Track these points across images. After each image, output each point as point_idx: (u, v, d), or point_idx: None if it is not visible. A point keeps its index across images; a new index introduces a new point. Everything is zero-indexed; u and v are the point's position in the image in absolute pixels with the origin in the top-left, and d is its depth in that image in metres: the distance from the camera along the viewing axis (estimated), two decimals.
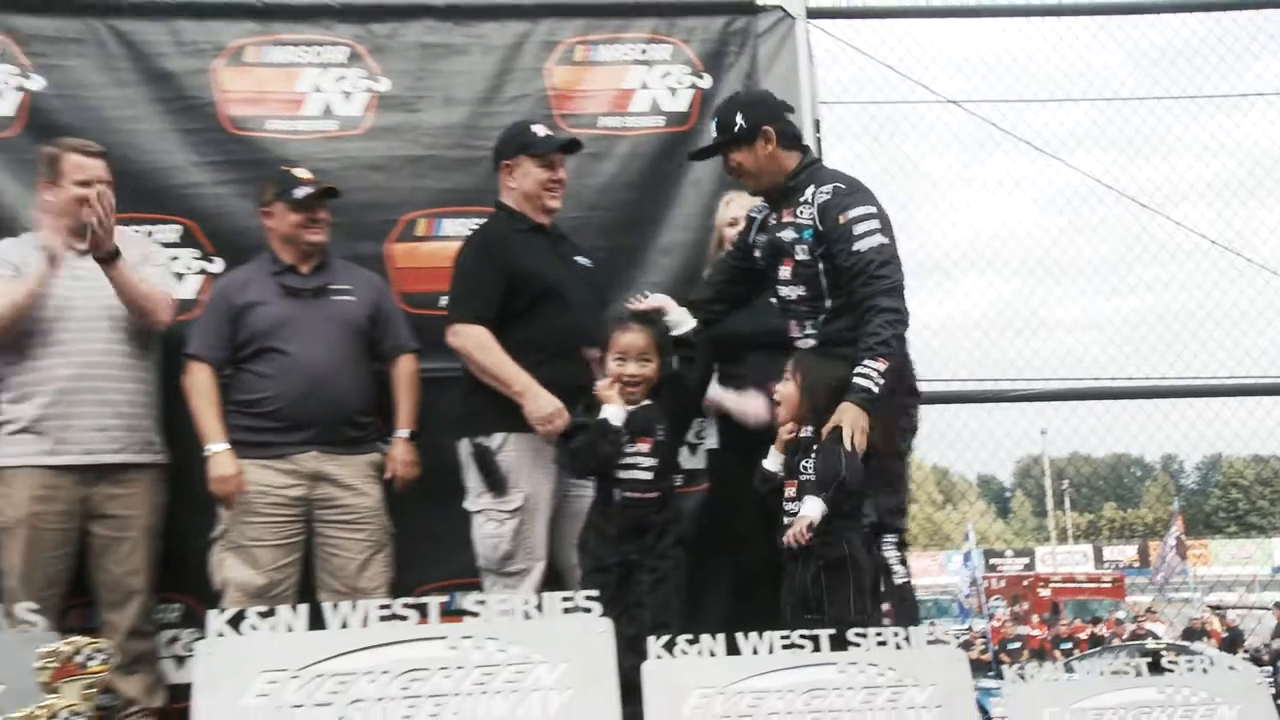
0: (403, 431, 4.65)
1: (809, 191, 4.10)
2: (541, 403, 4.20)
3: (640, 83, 5.35)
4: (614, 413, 4.09)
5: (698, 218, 5.17)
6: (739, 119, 4.22)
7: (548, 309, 4.39)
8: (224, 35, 5.16)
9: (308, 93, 5.18)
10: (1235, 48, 6.31)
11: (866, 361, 3.86)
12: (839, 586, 3.89)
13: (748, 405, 4.45)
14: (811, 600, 3.88)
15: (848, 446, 3.85)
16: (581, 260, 4.65)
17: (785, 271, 4.19)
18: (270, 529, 4.40)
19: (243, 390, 4.49)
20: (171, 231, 5.01)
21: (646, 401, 4.19)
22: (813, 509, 3.93)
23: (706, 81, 5.34)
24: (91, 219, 4.22)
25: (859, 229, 3.97)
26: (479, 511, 4.39)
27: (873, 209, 4.02)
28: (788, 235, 4.16)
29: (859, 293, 3.94)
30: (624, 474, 4.12)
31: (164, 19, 5.14)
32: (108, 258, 4.29)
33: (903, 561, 4.14)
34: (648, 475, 4.14)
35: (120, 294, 4.38)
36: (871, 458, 3.92)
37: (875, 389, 3.84)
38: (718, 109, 4.46)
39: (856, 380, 3.86)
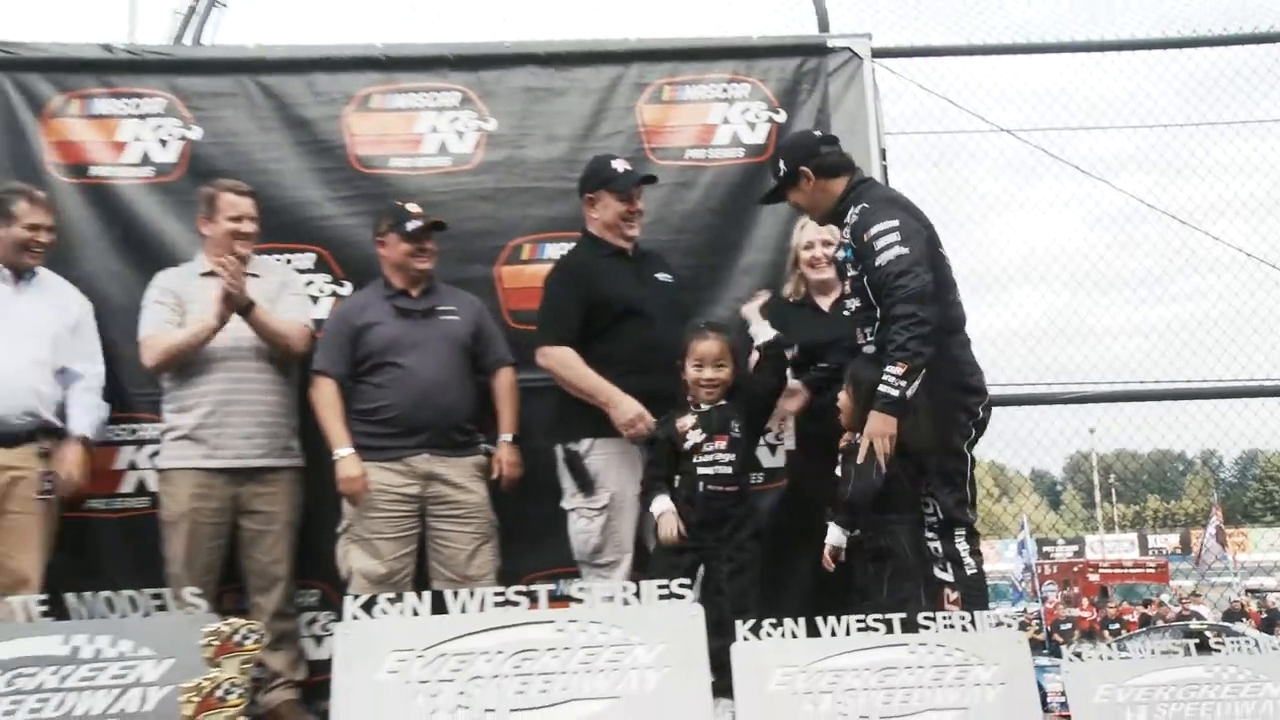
0: (506, 435, 4.89)
1: (849, 213, 4.26)
2: (625, 408, 4.45)
3: (722, 118, 5.52)
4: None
5: (774, 239, 5.35)
6: (781, 165, 4.46)
7: (628, 326, 4.59)
8: (353, 85, 5.46)
9: (425, 133, 5.45)
10: (1269, 77, 6.45)
11: (887, 368, 3.97)
12: (882, 576, 4.06)
13: (788, 399, 4.71)
14: (863, 590, 4.08)
15: (861, 458, 4.00)
16: (662, 277, 4.83)
17: (847, 285, 4.37)
18: (389, 523, 4.66)
19: (363, 400, 4.75)
20: (307, 259, 5.31)
21: (722, 402, 4.39)
22: (833, 537, 4.19)
23: (782, 116, 5.52)
24: (225, 278, 4.54)
25: (879, 244, 4.08)
26: (572, 510, 4.64)
27: (893, 223, 4.10)
28: (840, 254, 4.39)
29: (883, 304, 4.07)
30: (705, 469, 4.31)
31: (302, 73, 5.45)
32: (244, 310, 4.63)
33: (974, 553, 4.21)
34: (727, 470, 4.33)
35: (259, 335, 4.72)
36: (910, 458, 4.05)
37: (895, 393, 3.93)
38: (769, 159, 4.70)
39: (879, 389, 3.97)
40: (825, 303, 4.89)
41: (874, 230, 4.13)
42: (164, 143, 5.39)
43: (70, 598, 3.34)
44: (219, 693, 2.94)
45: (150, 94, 5.42)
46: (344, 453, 4.66)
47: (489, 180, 5.44)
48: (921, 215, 4.32)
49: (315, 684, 4.88)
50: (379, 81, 5.52)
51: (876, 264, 4.09)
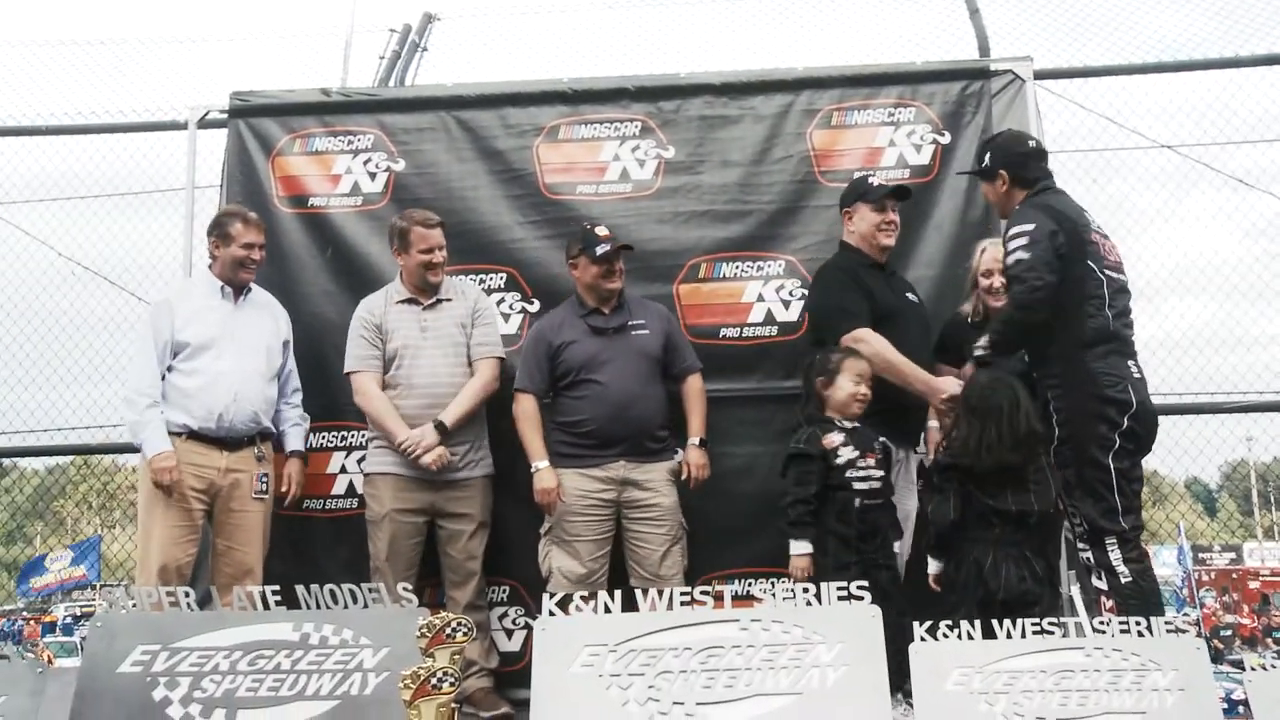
0: (695, 439, 4.91)
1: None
2: (940, 388, 4.49)
3: (889, 141, 5.49)
4: None
5: (940, 255, 5.33)
6: (986, 158, 4.47)
7: (884, 334, 4.58)
8: (542, 118, 5.60)
9: (609, 161, 5.56)
10: None
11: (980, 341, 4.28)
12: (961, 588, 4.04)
13: (936, 382, 4.58)
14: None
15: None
16: (911, 296, 4.87)
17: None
18: (588, 526, 4.77)
19: (563, 414, 4.87)
20: (498, 278, 5.48)
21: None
22: (932, 566, 4.16)
23: (946, 138, 5.47)
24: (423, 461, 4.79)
25: (1010, 245, 4.20)
26: None
27: (1026, 226, 4.16)
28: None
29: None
30: (860, 484, 4.30)
31: (495, 108, 5.62)
32: (446, 435, 4.84)
33: (1132, 560, 4.07)
34: (879, 484, 4.33)
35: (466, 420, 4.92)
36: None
37: (981, 353, 4.22)
38: (978, 146, 4.75)
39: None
40: None
41: (1010, 233, 4.23)
42: (372, 175, 5.64)
43: (300, 589, 3.52)
44: (433, 681, 3.03)
45: (361, 131, 5.69)
46: (541, 465, 4.79)
47: (667, 205, 5.52)
48: (1068, 221, 4.25)
49: (505, 673, 5.05)
50: (566, 113, 5.64)
51: (1006, 264, 4.24)
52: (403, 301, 5.05)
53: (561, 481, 4.78)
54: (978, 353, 4.26)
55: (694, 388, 5.01)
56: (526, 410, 4.87)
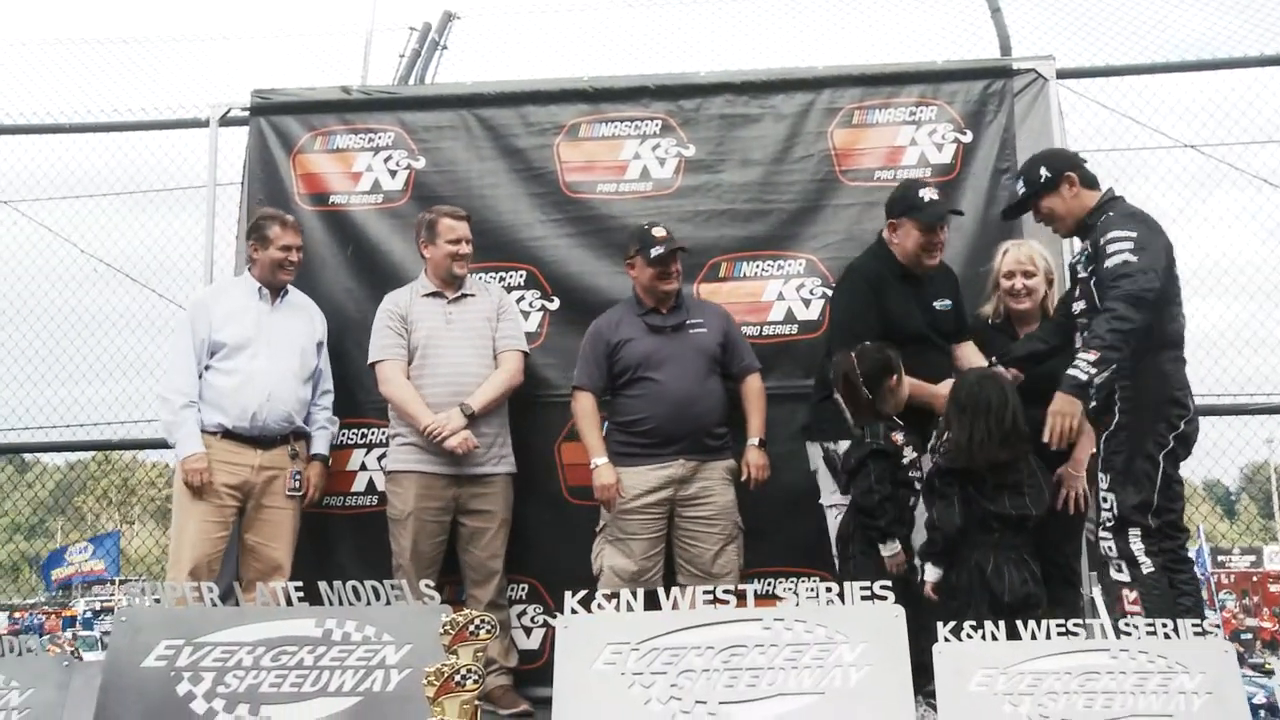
0: (754, 439, 4.86)
1: (1099, 223, 4.23)
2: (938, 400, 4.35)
3: (910, 140, 5.46)
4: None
5: (962, 254, 5.22)
6: (1043, 171, 4.38)
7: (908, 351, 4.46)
8: (562, 116, 5.60)
9: (629, 160, 5.54)
10: None
11: (1079, 354, 3.98)
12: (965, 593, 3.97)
13: (940, 389, 4.48)
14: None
15: (1046, 437, 3.97)
16: (943, 303, 4.71)
17: (1077, 289, 4.34)
18: (644, 525, 4.73)
19: (622, 412, 4.84)
20: (519, 276, 5.48)
21: None
22: (928, 574, 4.07)
23: (968, 137, 5.43)
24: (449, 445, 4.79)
25: (1111, 249, 4.07)
26: (830, 506, 4.61)
27: (1130, 233, 4.08)
28: (1075, 260, 4.37)
29: (1102, 300, 4.05)
30: (918, 484, 4.28)
31: (515, 106, 5.63)
32: (471, 419, 4.85)
33: (1153, 553, 4.03)
34: (919, 484, 4.29)
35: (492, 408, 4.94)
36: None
37: (1083, 376, 3.92)
38: (1022, 169, 4.59)
39: (1068, 371, 3.96)
40: (1023, 334, 4.76)
41: (1109, 236, 4.12)
42: (393, 172, 5.65)
43: (322, 585, 3.54)
44: (457, 678, 3.03)
45: (382, 129, 5.69)
46: (599, 462, 4.77)
47: (687, 204, 5.50)
48: (1162, 232, 4.23)
49: (524, 671, 5.05)
50: (586, 112, 5.65)
51: (1105, 265, 4.08)
52: (428, 295, 5.07)
53: (620, 479, 4.75)
54: (1079, 375, 3.97)
55: (753, 387, 4.96)
56: (585, 408, 4.85)
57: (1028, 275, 4.71)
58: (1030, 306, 4.73)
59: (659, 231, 4.89)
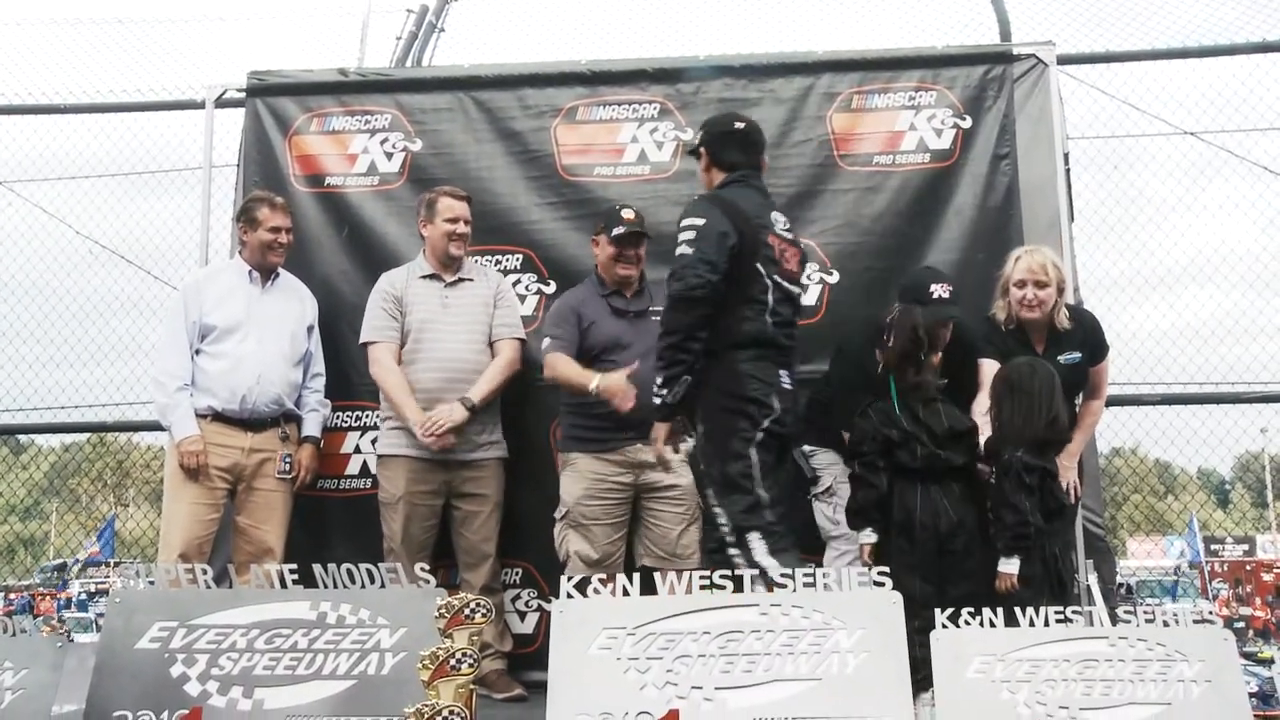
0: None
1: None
2: None
3: (909, 125, 5.40)
4: None
5: (960, 240, 5.25)
6: (695, 138, 4.50)
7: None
8: (559, 99, 5.56)
9: (627, 143, 5.50)
10: None
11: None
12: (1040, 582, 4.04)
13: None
14: None
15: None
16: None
17: None
18: (605, 510, 4.73)
19: (580, 395, 4.75)
20: (515, 259, 5.45)
21: None
22: (1010, 565, 4.06)
23: (968, 122, 5.37)
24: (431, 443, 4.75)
25: (680, 237, 4.08)
26: (812, 498, 4.77)
27: (696, 220, 4.05)
28: None
29: None
30: None
31: (512, 88, 5.58)
32: (473, 412, 4.82)
33: (780, 550, 3.96)
34: None
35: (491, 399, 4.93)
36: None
37: (658, 400, 4.05)
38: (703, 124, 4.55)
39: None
40: (1039, 347, 4.68)
41: (682, 223, 4.11)
42: (389, 155, 5.61)
43: (317, 568, 3.51)
44: (452, 662, 3.01)
45: (378, 111, 5.66)
46: (597, 379, 4.62)
47: (685, 188, 5.34)
48: (740, 218, 4.10)
49: (519, 655, 5.03)
50: (584, 95, 5.61)
51: (676, 255, 4.07)
52: (425, 277, 5.04)
53: (578, 467, 4.76)
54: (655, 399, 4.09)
55: None
56: (562, 361, 4.77)
57: (1040, 285, 4.59)
58: (1040, 316, 4.62)
59: (628, 213, 4.90)
